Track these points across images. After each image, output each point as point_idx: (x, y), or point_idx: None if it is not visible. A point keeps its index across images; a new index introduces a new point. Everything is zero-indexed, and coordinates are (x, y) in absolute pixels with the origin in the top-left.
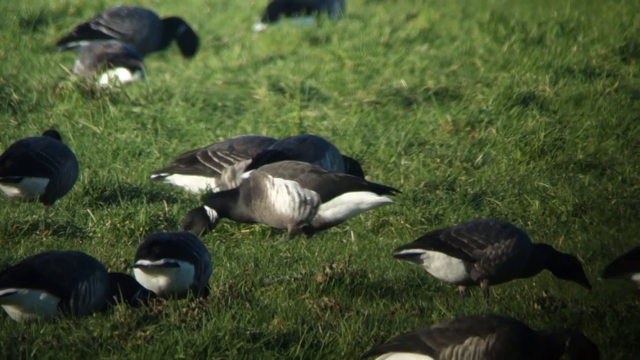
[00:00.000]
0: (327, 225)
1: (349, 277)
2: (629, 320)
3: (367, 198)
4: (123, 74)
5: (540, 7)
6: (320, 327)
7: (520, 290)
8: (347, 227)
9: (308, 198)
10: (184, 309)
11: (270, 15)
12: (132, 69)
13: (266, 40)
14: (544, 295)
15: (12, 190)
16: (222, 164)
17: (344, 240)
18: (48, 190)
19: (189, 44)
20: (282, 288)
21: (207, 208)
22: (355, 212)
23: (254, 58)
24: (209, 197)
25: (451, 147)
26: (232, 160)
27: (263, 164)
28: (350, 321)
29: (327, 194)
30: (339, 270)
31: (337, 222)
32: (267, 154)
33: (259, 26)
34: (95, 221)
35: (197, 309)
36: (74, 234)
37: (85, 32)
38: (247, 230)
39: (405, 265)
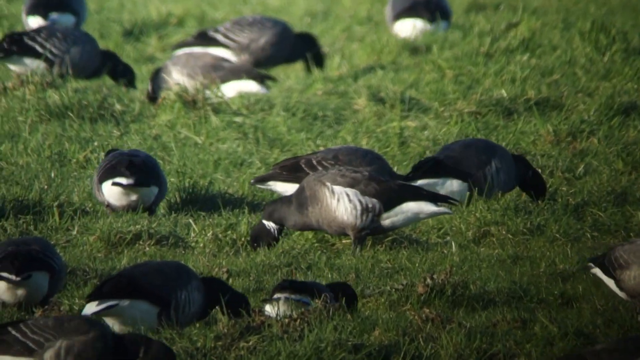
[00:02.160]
0: (383, 232)
1: (451, 288)
2: None
3: (425, 208)
4: (251, 86)
5: None
6: (421, 339)
7: (623, 302)
8: (448, 238)
9: (370, 206)
10: (286, 320)
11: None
12: (260, 81)
13: (366, 49)
14: None
15: (131, 198)
16: None
17: (445, 251)
18: (156, 199)
19: (319, 62)
20: (383, 299)
21: (265, 222)
22: (412, 221)
23: (354, 68)
24: (266, 210)
25: (552, 157)
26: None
27: (424, 172)
28: (452, 333)
29: (388, 203)
30: (440, 281)
31: (393, 229)
32: (429, 162)
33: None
34: (198, 231)
35: (299, 320)
36: (176, 244)
37: (202, 38)
38: (348, 241)
39: (507, 277)
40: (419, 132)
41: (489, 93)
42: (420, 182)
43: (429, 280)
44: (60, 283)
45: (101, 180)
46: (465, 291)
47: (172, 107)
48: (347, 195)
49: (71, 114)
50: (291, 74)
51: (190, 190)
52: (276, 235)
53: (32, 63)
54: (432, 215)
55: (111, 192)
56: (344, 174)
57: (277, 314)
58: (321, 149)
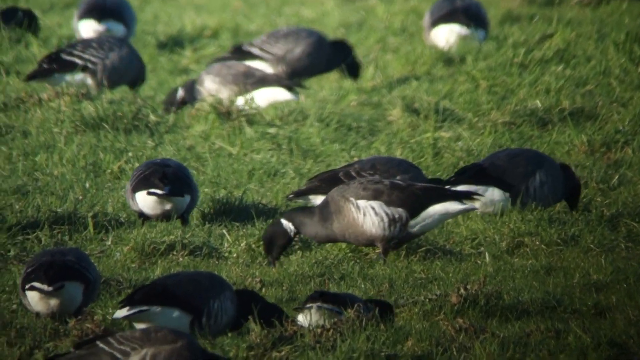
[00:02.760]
0: (413, 237)
1: (484, 299)
2: None
3: (451, 207)
4: (280, 94)
5: None
6: (454, 349)
7: None
8: (482, 248)
9: (397, 216)
10: (319, 330)
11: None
12: (290, 88)
13: (400, 60)
14: None
15: (165, 207)
16: None
17: (479, 261)
18: (188, 208)
19: (355, 70)
20: (416, 309)
21: (284, 221)
22: (441, 222)
23: (388, 78)
24: (288, 212)
25: (587, 167)
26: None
27: (466, 178)
28: (486, 343)
29: (414, 210)
30: (474, 292)
31: (423, 233)
32: (473, 168)
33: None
34: (231, 242)
35: (331, 330)
36: (210, 254)
37: (237, 52)
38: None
39: (541, 287)
40: (452, 142)
41: (523, 103)
42: (461, 188)
43: (462, 291)
44: (95, 294)
45: (135, 190)
46: (498, 301)
47: (207, 117)
48: (373, 208)
49: (106, 125)
50: (325, 85)
51: (224, 200)
52: (292, 237)
53: (73, 77)
54: (459, 213)
55: (146, 201)
56: (365, 187)
57: (309, 324)
58: (355, 159)
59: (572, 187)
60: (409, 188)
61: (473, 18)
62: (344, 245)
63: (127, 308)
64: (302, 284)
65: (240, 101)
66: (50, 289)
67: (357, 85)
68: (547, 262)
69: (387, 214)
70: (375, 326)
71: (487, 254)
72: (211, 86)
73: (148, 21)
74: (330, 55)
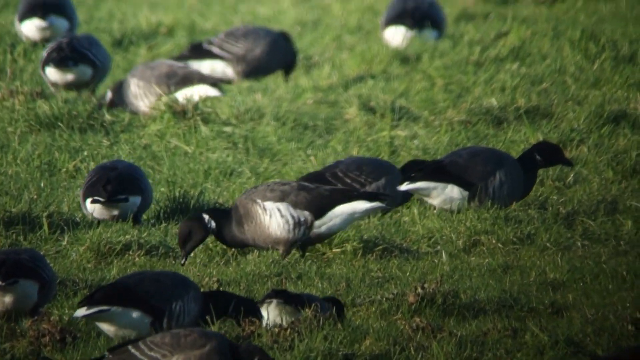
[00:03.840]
0: (323, 238)
1: (441, 298)
2: None
3: (359, 207)
4: (205, 91)
5: (631, 24)
6: (412, 348)
7: (613, 311)
8: (439, 247)
9: (302, 219)
10: (277, 330)
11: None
12: (214, 84)
13: (356, 59)
14: (638, 315)
15: (112, 212)
16: (354, 185)
17: (436, 260)
18: (139, 208)
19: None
20: (373, 308)
21: (206, 217)
22: (349, 222)
23: (344, 77)
24: (211, 210)
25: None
26: (363, 181)
27: (425, 174)
28: (443, 342)
29: (319, 210)
30: (431, 291)
31: (333, 234)
32: (432, 165)
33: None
34: None
35: (289, 330)
36: (166, 254)
37: (197, 51)
38: (339, 250)
39: (498, 286)
40: (409, 141)
41: (479, 102)
42: (420, 184)
43: (419, 290)
44: (51, 294)
45: (84, 197)
46: (455, 300)
47: (162, 116)
48: (279, 210)
49: (61, 124)
50: (281, 84)
51: (181, 199)
52: (211, 229)
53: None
54: (367, 212)
55: (93, 208)
56: (272, 188)
57: (267, 321)
58: (312, 159)
59: (542, 160)
60: (317, 189)
61: (422, 19)
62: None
63: (85, 307)
64: (259, 284)
65: (189, 95)
66: (3, 284)
67: (313, 84)
68: (503, 261)
69: (292, 216)
70: (332, 325)
71: (443, 252)
72: (136, 90)
73: (103, 18)
74: (286, 51)
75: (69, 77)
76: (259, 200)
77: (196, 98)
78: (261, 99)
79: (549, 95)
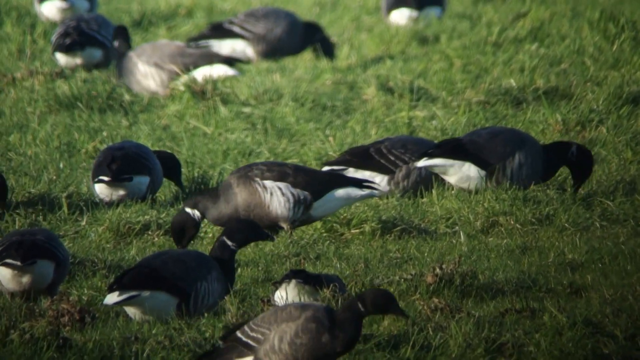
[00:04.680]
0: (314, 220)
1: (459, 278)
2: None
3: (353, 193)
4: (222, 70)
5: None
6: (430, 329)
7: (632, 291)
8: (457, 228)
9: (302, 197)
10: None
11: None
12: (230, 64)
13: (375, 39)
14: None
15: (119, 192)
16: (397, 162)
17: (454, 241)
18: (148, 188)
19: (330, 49)
20: (392, 289)
21: (188, 210)
22: (341, 207)
23: (362, 58)
24: (190, 199)
25: None
26: (406, 159)
27: (443, 152)
28: (461, 323)
29: (317, 192)
30: (449, 271)
31: (324, 216)
32: (450, 142)
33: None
34: (207, 222)
35: None
36: None
37: (217, 30)
38: (357, 230)
39: (516, 267)
40: (427, 121)
41: (498, 82)
42: (436, 161)
43: (437, 270)
44: (65, 273)
45: (92, 178)
46: (473, 281)
47: (181, 97)
48: (280, 189)
49: (80, 105)
50: (300, 64)
51: (200, 180)
52: (199, 223)
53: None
54: (360, 198)
55: (100, 189)
56: (270, 168)
57: (285, 301)
58: (330, 139)
59: (573, 159)
60: (314, 172)
61: None
62: (319, 224)
63: (117, 293)
64: (277, 264)
65: (203, 74)
66: (22, 265)
67: (331, 65)
68: (522, 242)
69: (293, 195)
70: None
71: (462, 233)
72: (146, 69)
73: None
74: (304, 36)
75: (78, 60)
76: (257, 179)
77: (214, 76)
78: (280, 80)
79: (568, 76)
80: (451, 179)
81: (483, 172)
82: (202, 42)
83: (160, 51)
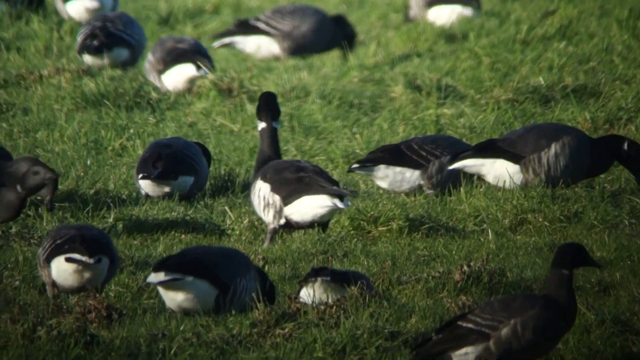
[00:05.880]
0: (300, 227)
1: (487, 276)
2: None
3: (322, 202)
4: (188, 70)
5: None
6: None
7: None
8: (485, 225)
9: (271, 201)
10: (322, 307)
11: None
12: (197, 65)
13: (402, 37)
14: None
15: (164, 189)
16: (429, 157)
17: (482, 239)
18: (192, 188)
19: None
20: (419, 286)
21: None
22: (317, 216)
23: (390, 55)
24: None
25: None
26: (438, 154)
27: (475, 152)
28: None
29: (287, 197)
30: (477, 269)
31: (307, 225)
32: (484, 142)
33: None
34: (234, 219)
35: (335, 307)
36: (212, 231)
37: (243, 27)
38: (384, 228)
39: (544, 265)
40: (455, 119)
41: (526, 80)
42: (466, 162)
43: (465, 268)
44: (115, 271)
45: (137, 173)
46: (501, 279)
47: (208, 94)
48: (259, 189)
49: (107, 102)
50: (327, 62)
51: (226, 177)
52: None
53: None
54: (328, 210)
55: (144, 184)
56: (276, 167)
57: (312, 299)
58: (357, 137)
59: (624, 155)
60: (296, 176)
61: None
62: (346, 222)
63: (163, 273)
64: (304, 261)
65: (171, 74)
66: (92, 261)
67: (359, 62)
68: (550, 239)
69: (264, 198)
70: (378, 303)
71: (490, 231)
72: (147, 66)
73: None
74: (333, 33)
75: (105, 60)
76: (259, 177)
77: (180, 77)
78: (307, 77)
79: (597, 74)
80: (487, 178)
81: (516, 167)
82: (227, 39)
83: (160, 48)
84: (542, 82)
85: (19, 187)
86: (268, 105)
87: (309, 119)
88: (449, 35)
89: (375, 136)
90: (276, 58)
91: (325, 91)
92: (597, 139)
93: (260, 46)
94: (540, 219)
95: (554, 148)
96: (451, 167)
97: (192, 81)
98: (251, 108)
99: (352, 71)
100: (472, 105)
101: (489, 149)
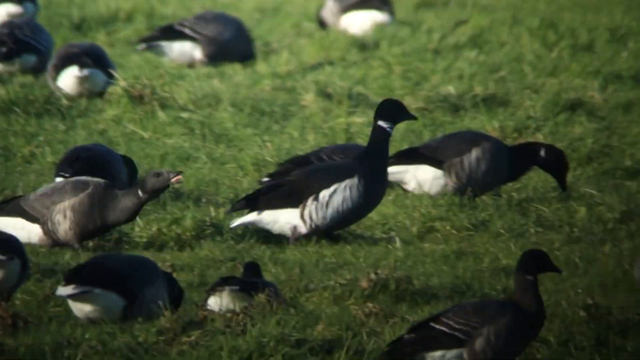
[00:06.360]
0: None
1: (394, 283)
2: None
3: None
4: (73, 71)
5: (590, 13)
6: (364, 334)
7: (565, 297)
8: (393, 233)
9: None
10: (229, 315)
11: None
12: (82, 65)
13: (315, 45)
14: (590, 302)
15: None
16: None
17: (390, 246)
18: None
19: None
20: (326, 294)
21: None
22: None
23: (302, 64)
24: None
25: None
26: None
27: (398, 159)
28: (395, 328)
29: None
30: (384, 276)
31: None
32: (406, 150)
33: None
34: (142, 226)
35: (242, 315)
36: (120, 239)
37: (168, 32)
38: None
39: (451, 272)
40: (365, 128)
41: (437, 89)
42: (394, 169)
43: (372, 275)
44: (26, 277)
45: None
46: (408, 286)
47: (119, 101)
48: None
49: (17, 109)
50: (239, 70)
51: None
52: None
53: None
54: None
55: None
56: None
57: (220, 307)
58: (268, 145)
59: (543, 159)
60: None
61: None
62: (254, 229)
63: (72, 286)
64: (213, 269)
65: (62, 78)
66: (4, 257)
67: (271, 70)
68: (457, 247)
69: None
70: (285, 310)
71: (397, 238)
72: (47, 76)
73: (62, 4)
74: (250, 41)
75: (14, 67)
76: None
77: (68, 80)
78: (219, 85)
79: (506, 83)
80: (410, 184)
81: (439, 172)
82: (153, 44)
83: (56, 55)
84: (453, 91)
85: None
86: (390, 109)
87: (220, 127)
88: (361, 44)
89: (286, 144)
90: (201, 63)
91: (237, 99)
92: (514, 146)
93: (183, 51)
94: (448, 227)
95: (474, 152)
96: None
97: (82, 83)
98: (162, 115)
99: (264, 79)
100: None
101: (411, 156)
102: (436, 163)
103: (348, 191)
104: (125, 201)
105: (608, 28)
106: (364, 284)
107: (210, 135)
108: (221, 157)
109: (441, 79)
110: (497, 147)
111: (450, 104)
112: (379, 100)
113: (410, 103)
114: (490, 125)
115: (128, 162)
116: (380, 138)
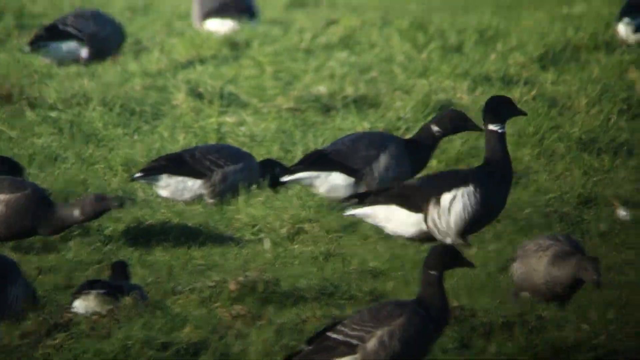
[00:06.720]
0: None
1: (262, 285)
2: (538, 330)
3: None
4: None
5: (459, 14)
6: (231, 336)
7: None
8: (262, 235)
9: None
10: (94, 317)
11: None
12: None
13: (185, 44)
14: (455, 304)
15: None
16: (212, 167)
17: (259, 248)
18: None
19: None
20: (194, 296)
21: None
22: None
23: (173, 62)
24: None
25: None
26: (222, 164)
27: (308, 165)
28: (262, 330)
29: None
30: (253, 278)
31: None
32: (314, 154)
33: None
34: None
35: (107, 317)
36: None
37: (53, 32)
38: (161, 237)
39: (319, 274)
40: (236, 127)
41: (308, 89)
42: (301, 175)
43: (241, 277)
44: None
45: None
46: (276, 288)
47: None
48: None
49: None
50: (109, 68)
51: None
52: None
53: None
54: None
55: None
56: None
57: (85, 310)
58: (138, 145)
59: (450, 132)
60: None
61: (245, 10)
62: (122, 229)
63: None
64: (79, 271)
65: None
66: None
67: (142, 69)
68: (326, 249)
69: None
70: (151, 313)
71: (266, 240)
72: None
73: None
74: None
75: None
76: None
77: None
78: (88, 84)
79: (377, 84)
80: (320, 190)
81: (351, 179)
82: (42, 44)
83: None
84: (324, 91)
85: None
86: (496, 109)
87: (90, 127)
88: (233, 43)
89: (156, 144)
90: (85, 61)
91: (107, 98)
92: (409, 140)
93: (70, 50)
94: (317, 229)
95: (382, 159)
96: (285, 180)
97: None
98: (31, 114)
99: (135, 78)
100: (254, 114)
101: (322, 162)
102: (348, 170)
103: (466, 198)
104: (61, 215)
105: (477, 30)
106: (232, 286)
107: (80, 134)
108: (90, 157)
109: (312, 79)
110: (399, 146)
111: (322, 105)
112: (250, 99)
113: (282, 103)
114: (360, 126)
115: (5, 162)
116: (492, 142)
